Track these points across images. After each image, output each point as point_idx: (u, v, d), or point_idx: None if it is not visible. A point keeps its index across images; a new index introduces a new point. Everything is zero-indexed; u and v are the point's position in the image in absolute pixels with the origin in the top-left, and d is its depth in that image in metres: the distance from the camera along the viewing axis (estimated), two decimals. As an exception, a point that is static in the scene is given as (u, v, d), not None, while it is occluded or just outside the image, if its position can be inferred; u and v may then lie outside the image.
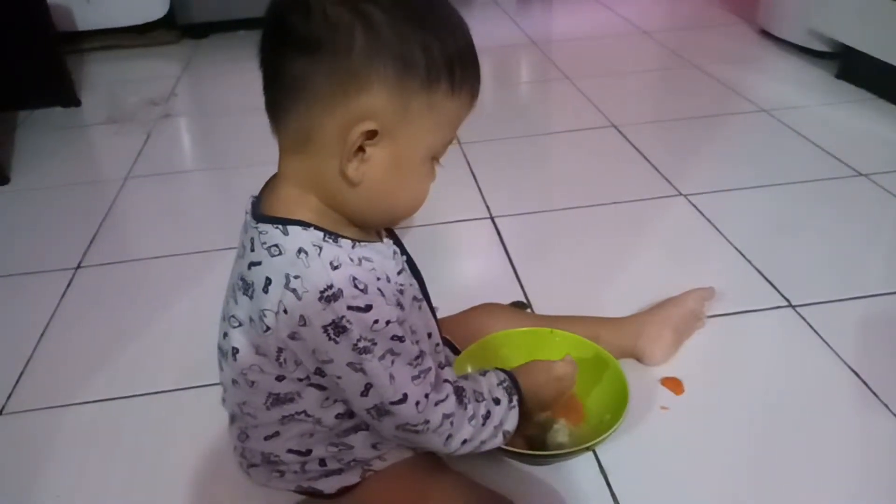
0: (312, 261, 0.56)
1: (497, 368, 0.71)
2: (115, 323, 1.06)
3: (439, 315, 0.72)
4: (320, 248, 0.57)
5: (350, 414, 0.64)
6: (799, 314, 0.97)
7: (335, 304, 0.55)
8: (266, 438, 0.66)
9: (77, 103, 1.93)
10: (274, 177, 0.62)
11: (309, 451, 0.66)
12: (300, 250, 0.57)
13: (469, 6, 2.66)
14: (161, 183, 1.51)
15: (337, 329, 0.56)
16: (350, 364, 0.57)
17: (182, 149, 1.78)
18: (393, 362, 0.58)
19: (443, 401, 0.62)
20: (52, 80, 1.90)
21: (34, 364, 0.98)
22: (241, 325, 0.61)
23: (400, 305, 0.60)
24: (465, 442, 0.64)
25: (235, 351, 0.62)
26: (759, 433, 0.80)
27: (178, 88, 2.05)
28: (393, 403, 0.59)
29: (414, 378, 0.59)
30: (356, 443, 0.66)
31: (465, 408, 0.64)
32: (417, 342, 0.63)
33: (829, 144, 1.43)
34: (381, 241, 0.64)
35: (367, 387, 0.58)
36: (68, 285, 1.15)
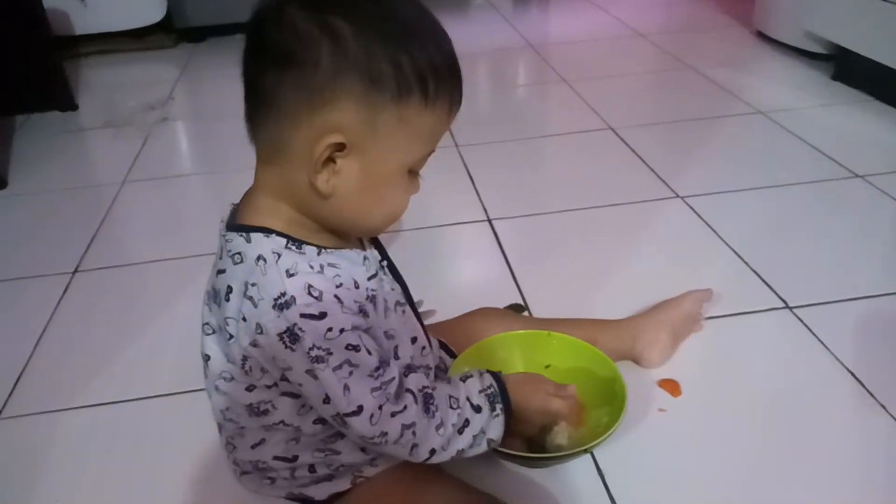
0: (269, 268, 0.57)
1: (488, 371, 0.69)
2: (112, 327, 1.06)
3: (436, 318, 0.72)
4: (279, 256, 0.57)
5: (324, 421, 0.63)
6: (796, 315, 0.97)
7: (287, 312, 0.55)
8: (253, 447, 0.66)
9: (74, 107, 1.93)
10: (252, 186, 0.62)
11: (296, 458, 0.66)
12: (259, 257, 0.57)
13: (465, 10, 2.66)
14: (158, 187, 1.51)
15: (292, 336, 0.55)
16: (308, 372, 0.56)
17: (179, 153, 1.78)
18: (351, 373, 0.57)
19: (400, 412, 0.59)
20: (50, 85, 1.90)
21: (31, 368, 0.98)
22: (213, 332, 0.62)
23: (363, 313, 0.59)
24: (433, 452, 0.62)
25: (207, 358, 0.63)
26: (756, 435, 0.80)
27: (176, 92, 2.05)
28: (347, 415, 0.57)
29: (374, 390, 0.58)
30: (343, 448, 0.66)
31: (432, 416, 0.62)
32: (396, 348, 0.63)
33: (824, 146, 1.43)
34: (363, 247, 0.65)
35: (325, 396, 0.57)
36: (65, 289, 1.15)
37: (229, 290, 0.58)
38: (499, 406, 0.66)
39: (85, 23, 2.28)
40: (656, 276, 1.07)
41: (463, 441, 0.64)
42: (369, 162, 0.57)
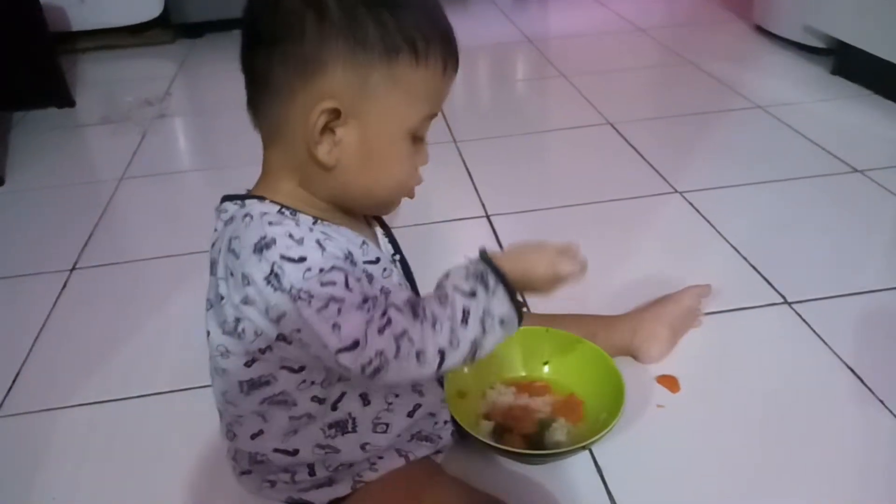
0: (254, 222, 0.57)
1: (469, 258, 0.63)
2: (110, 325, 1.06)
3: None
4: (267, 215, 0.58)
5: (322, 400, 0.62)
6: (795, 311, 0.97)
7: (267, 253, 0.54)
8: (252, 437, 0.65)
9: (72, 104, 1.93)
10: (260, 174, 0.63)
11: (296, 451, 0.65)
12: (246, 215, 0.58)
13: (465, 4, 2.65)
14: (156, 183, 1.51)
15: (276, 277, 0.54)
16: (298, 314, 0.54)
17: (177, 149, 1.78)
18: (339, 311, 0.54)
19: (387, 324, 0.55)
20: (47, 81, 1.89)
21: (29, 367, 0.98)
22: (211, 307, 0.62)
23: (350, 261, 0.57)
24: (443, 353, 0.56)
25: (208, 334, 0.62)
26: (754, 430, 0.80)
27: (174, 88, 2.04)
28: (340, 352, 0.54)
29: (368, 322, 0.55)
30: (343, 446, 0.65)
31: (424, 318, 0.56)
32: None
33: (824, 141, 1.43)
34: (375, 240, 0.64)
35: (319, 338, 0.54)
36: (63, 287, 1.15)
37: (218, 252, 0.59)
38: (492, 280, 0.59)
39: (82, 19, 2.28)
40: (654, 271, 1.07)
41: (472, 330, 0.57)
42: (367, 127, 0.57)
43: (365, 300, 0.56)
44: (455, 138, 1.53)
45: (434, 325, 0.56)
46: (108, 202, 1.42)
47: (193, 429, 0.83)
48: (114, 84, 2.14)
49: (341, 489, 0.66)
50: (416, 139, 0.61)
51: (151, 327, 1.04)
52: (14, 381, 0.95)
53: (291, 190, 0.60)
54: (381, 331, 0.54)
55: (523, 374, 0.84)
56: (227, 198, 0.62)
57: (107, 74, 2.22)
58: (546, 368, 0.84)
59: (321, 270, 0.54)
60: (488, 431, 0.76)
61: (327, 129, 0.57)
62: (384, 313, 0.55)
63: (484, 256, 0.61)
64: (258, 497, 0.69)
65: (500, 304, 0.59)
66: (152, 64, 2.30)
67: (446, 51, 0.58)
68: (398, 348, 0.55)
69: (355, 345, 0.54)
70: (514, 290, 0.59)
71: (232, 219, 0.60)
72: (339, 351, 0.54)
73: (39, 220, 1.40)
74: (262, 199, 0.59)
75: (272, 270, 0.54)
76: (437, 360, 0.56)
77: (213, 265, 0.62)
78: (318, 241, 0.56)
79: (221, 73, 2.10)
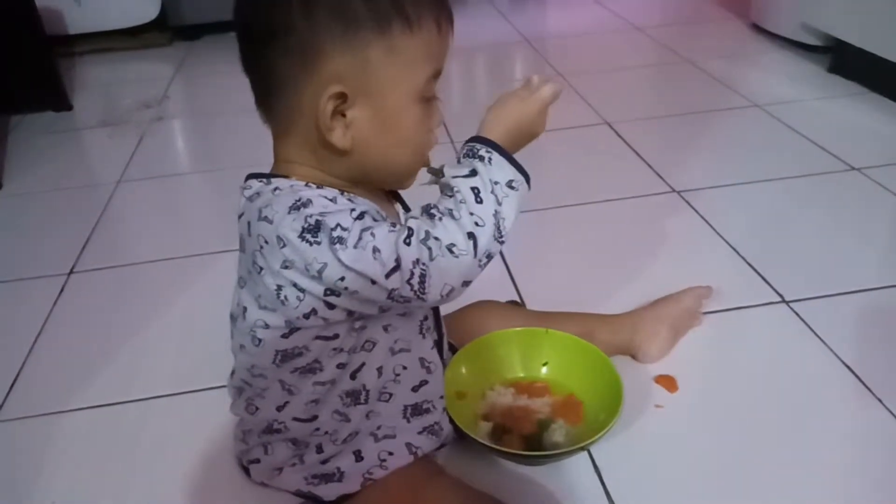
0: (284, 191, 0.59)
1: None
2: (109, 328, 1.06)
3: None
4: (294, 185, 0.59)
5: (344, 366, 0.63)
6: (793, 310, 0.97)
7: (305, 210, 0.56)
8: (278, 409, 0.66)
9: (69, 107, 1.93)
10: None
11: (314, 417, 0.66)
12: (276, 188, 0.59)
13: (463, 4, 2.65)
14: (154, 186, 1.51)
15: (312, 230, 0.55)
16: (338, 261, 0.55)
17: (175, 151, 1.78)
18: (373, 235, 0.55)
19: (409, 234, 0.56)
20: (44, 84, 1.89)
21: (27, 371, 0.98)
22: (245, 283, 0.63)
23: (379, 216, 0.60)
24: (472, 235, 0.56)
25: (244, 310, 0.63)
26: (753, 430, 0.80)
27: (171, 90, 2.04)
28: (389, 276, 0.55)
29: (396, 240, 0.56)
30: (353, 416, 0.66)
31: (441, 213, 0.58)
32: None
33: (821, 139, 1.43)
34: (394, 209, 0.67)
35: (365, 275, 0.55)
36: (61, 290, 1.15)
37: (249, 225, 0.60)
38: (484, 151, 0.60)
39: (79, 22, 2.28)
40: (652, 270, 1.07)
41: (488, 205, 0.58)
42: (375, 102, 0.58)
43: (393, 224, 0.58)
44: (452, 139, 1.52)
45: (452, 215, 0.57)
46: (105, 205, 1.42)
47: (193, 432, 0.82)
48: (111, 87, 2.14)
49: (350, 486, 0.67)
50: (426, 100, 0.61)
51: (150, 330, 1.04)
52: (12, 386, 0.95)
53: (309, 173, 0.62)
54: (406, 242, 0.55)
55: (522, 374, 0.84)
56: (252, 176, 0.64)
57: (104, 77, 2.21)
58: (545, 369, 0.84)
59: (352, 211, 0.56)
60: (487, 432, 0.76)
61: (337, 112, 0.58)
62: (405, 228, 0.57)
63: (470, 138, 0.62)
64: (268, 485, 0.70)
65: (501, 170, 0.59)
66: (149, 66, 2.30)
67: (437, 9, 0.59)
68: (430, 250, 0.55)
69: (397, 263, 0.55)
70: (508, 153, 0.61)
71: (258, 194, 0.60)
72: (388, 275, 0.55)
73: (37, 223, 1.40)
74: (286, 177, 0.61)
75: (307, 224, 0.55)
76: (471, 244, 0.57)
77: (240, 240, 0.63)
78: (350, 200, 0.58)
79: (219, 76, 2.10)
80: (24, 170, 1.61)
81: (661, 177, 1.35)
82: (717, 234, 1.15)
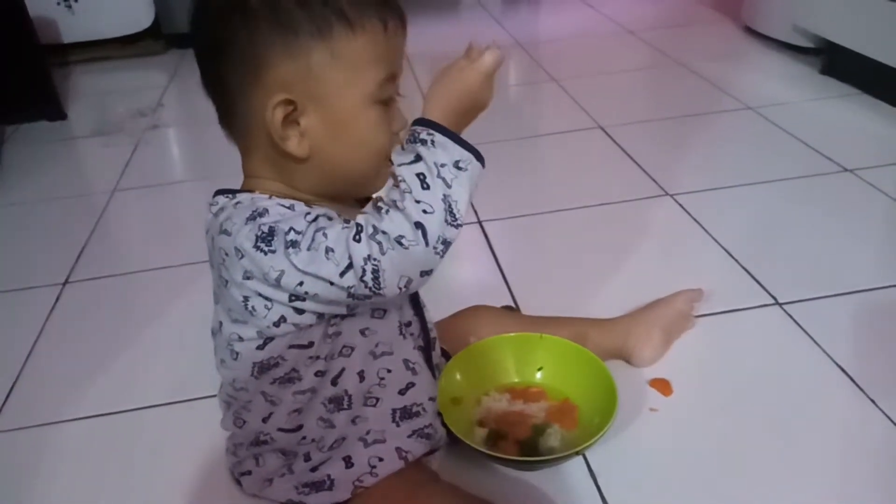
0: (244, 203, 0.59)
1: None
2: (104, 338, 1.06)
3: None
4: (256, 198, 0.60)
5: (323, 373, 0.64)
6: (786, 311, 0.97)
7: (260, 219, 0.57)
8: (264, 420, 0.66)
9: (63, 116, 1.92)
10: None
11: (300, 427, 0.66)
12: (237, 202, 0.60)
13: (455, 9, 2.66)
14: (149, 195, 1.51)
15: (266, 238, 0.56)
16: (295, 267, 0.55)
17: (170, 160, 1.78)
18: (326, 235, 0.55)
19: (358, 231, 0.55)
20: (38, 94, 1.89)
21: (22, 382, 0.98)
22: (218, 299, 0.64)
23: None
24: (420, 224, 0.55)
25: (220, 325, 0.64)
26: (747, 432, 0.80)
27: (166, 99, 2.04)
28: (343, 274, 0.55)
29: (347, 238, 0.55)
30: (338, 422, 0.66)
31: (386, 205, 0.56)
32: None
33: (814, 140, 1.44)
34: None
35: (323, 278, 0.55)
36: (56, 301, 1.15)
37: (213, 240, 0.61)
38: (425, 134, 0.57)
39: (73, 30, 2.27)
40: (645, 274, 1.08)
41: (436, 189, 0.56)
42: (326, 108, 0.58)
43: (347, 221, 0.58)
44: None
45: (397, 206, 0.55)
46: (100, 214, 1.42)
47: (189, 441, 0.82)
48: (105, 95, 2.14)
49: (340, 494, 0.67)
50: (384, 103, 0.60)
51: (146, 340, 1.04)
52: (7, 397, 0.95)
53: (274, 187, 0.62)
54: (356, 239, 0.55)
55: (517, 380, 0.85)
56: (219, 192, 0.64)
57: (98, 86, 2.21)
58: (540, 374, 0.85)
59: (306, 215, 0.57)
60: (483, 438, 0.76)
61: (289, 121, 0.58)
62: (354, 224, 0.56)
63: (413, 121, 0.60)
64: (259, 497, 0.70)
65: (446, 151, 0.57)
66: (144, 75, 2.30)
67: (382, 9, 0.58)
68: (379, 245, 0.54)
69: (350, 261, 0.55)
70: (451, 132, 0.58)
71: (222, 209, 0.61)
72: (342, 274, 0.55)
73: (32, 233, 1.40)
74: (251, 192, 0.62)
75: (260, 233, 0.56)
76: (419, 234, 0.55)
77: (210, 256, 0.64)
78: (308, 206, 0.59)
79: (213, 83, 2.10)
80: (19, 180, 1.61)
81: (654, 180, 1.35)
82: (711, 236, 1.16)
